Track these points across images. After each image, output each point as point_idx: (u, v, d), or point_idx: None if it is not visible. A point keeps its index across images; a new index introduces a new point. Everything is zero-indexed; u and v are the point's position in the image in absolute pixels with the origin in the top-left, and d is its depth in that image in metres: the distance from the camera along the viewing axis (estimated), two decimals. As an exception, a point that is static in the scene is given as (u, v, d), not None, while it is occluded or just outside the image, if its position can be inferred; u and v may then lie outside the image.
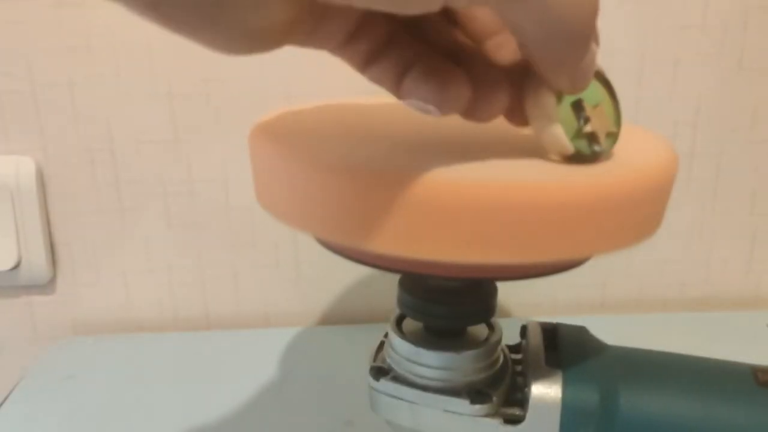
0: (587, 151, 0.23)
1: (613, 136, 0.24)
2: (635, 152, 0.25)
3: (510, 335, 0.31)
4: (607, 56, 0.49)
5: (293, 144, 0.23)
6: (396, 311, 0.30)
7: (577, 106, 0.23)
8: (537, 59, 0.20)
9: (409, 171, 0.21)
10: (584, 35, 0.19)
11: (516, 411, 0.27)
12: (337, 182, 0.21)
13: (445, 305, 0.28)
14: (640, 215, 0.23)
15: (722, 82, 0.50)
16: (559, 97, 0.23)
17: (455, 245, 0.21)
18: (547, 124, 0.23)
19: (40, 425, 0.42)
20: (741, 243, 0.54)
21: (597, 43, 0.21)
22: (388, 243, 0.21)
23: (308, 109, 0.29)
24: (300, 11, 0.20)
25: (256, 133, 0.25)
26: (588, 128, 0.23)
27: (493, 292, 0.29)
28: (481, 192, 0.20)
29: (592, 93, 0.23)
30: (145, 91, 0.48)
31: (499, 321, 0.30)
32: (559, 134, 0.23)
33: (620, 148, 0.26)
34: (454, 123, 0.24)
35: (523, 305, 0.55)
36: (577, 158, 0.23)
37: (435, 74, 0.22)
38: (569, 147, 0.23)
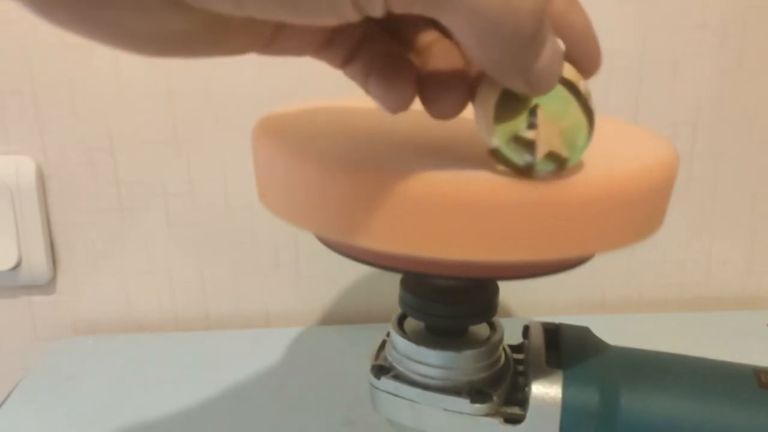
0: (515, 157, 0.21)
1: (555, 160, 0.21)
2: (636, 151, 0.25)
3: (512, 335, 0.31)
4: (607, 56, 0.49)
5: (295, 142, 0.23)
6: (398, 310, 0.30)
7: (532, 112, 0.21)
8: (480, 63, 0.20)
9: (411, 169, 0.21)
10: (525, 38, 0.18)
11: (516, 410, 0.27)
12: (339, 180, 0.21)
13: (447, 305, 0.28)
14: (641, 213, 0.23)
15: (722, 81, 0.50)
16: (521, 98, 0.21)
17: (456, 243, 0.21)
18: (480, 117, 0.22)
19: (40, 425, 0.42)
20: (741, 243, 0.54)
21: (557, 43, 0.20)
22: (390, 241, 0.21)
23: (310, 108, 0.29)
24: (197, 25, 0.19)
25: (258, 132, 0.25)
26: (529, 135, 0.21)
27: (495, 291, 0.29)
28: (482, 190, 0.20)
29: (560, 107, 0.21)
30: (145, 91, 0.48)
31: (501, 321, 0.30)
32: (483, 126, 0.22)
33: (621, 147, 0.26)
34: (456, 122, 0.24)
35: (524, 305, 0.55)
36: (511, 167, 0.22)
37: (384, 74, 0.23)
38: (490, 141, 0.22)
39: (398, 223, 0.21)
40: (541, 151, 0.21)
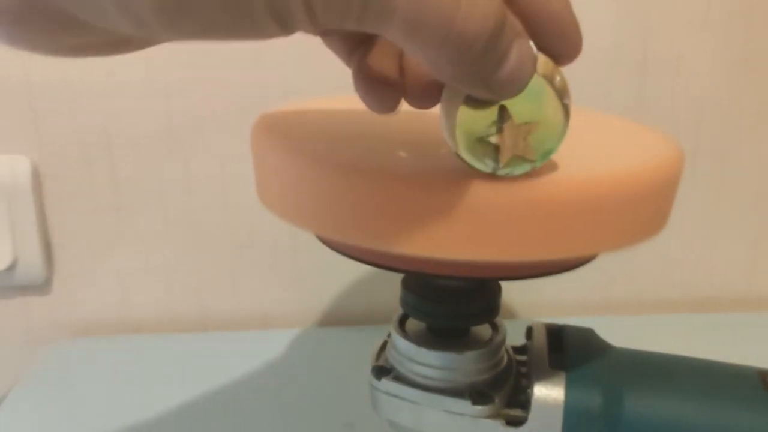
0: (477, 163, 0.20)
1: (521, 164, 0.20)
2: (640, 149, 0.25)
3: (516, 336, 0.31)
4: (609, 53, 0.49)
5: (295, 141, 0.24)
6: (399, 311, 0.30)
7: (498, 114, 0.20)
8: (435, 74, 0.18)
9: (411, 169, 0.21)
10: (478, 51, 0.17)
11: (518, 412, 0.27)
12: (339, 180, 0.21)
13: (448, 305, 0.28)
14: (645, 213, 0.23)
15: (726, 79, 0.50)
16: (486, 100, 0.20)
17: (458, 243, 0.21)
18: (443, 119, 0.21)
19: (36, 427, 0.41)
20: (745, 243, 0.54)
21: (525, 46, 0.18)
22: (390, 240, 0.21)
23: (310, 107, 0.29)
24: (107, 37, 0.18)
25: (258, 130, 0.25)
26: (492, 140, 0.20)
27: (497, 292, 0.29)
28: (483, 189, 0.20)
29: (530, 106, 0.20)
30: (142, 89, 0.48)
31: (504, 322, 0.30)
32: (446, 129, 0.21)
33: (625, 145, 0.26)
34: None
35: (528, 306, 0.55)
36: (475, 170, 0.21)
37: (369, 78, 0.23)
38: (451, 145, 0.21)
39: (399, 222, 0.21)
40: (506, 156, 0.20)
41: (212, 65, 0.48)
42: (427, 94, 0.23)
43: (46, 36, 0.17)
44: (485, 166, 0.20)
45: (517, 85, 0.19)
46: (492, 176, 0.21)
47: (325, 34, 0.24)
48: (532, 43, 0.19)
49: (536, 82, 0.19)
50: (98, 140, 0.49)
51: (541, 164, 0.21)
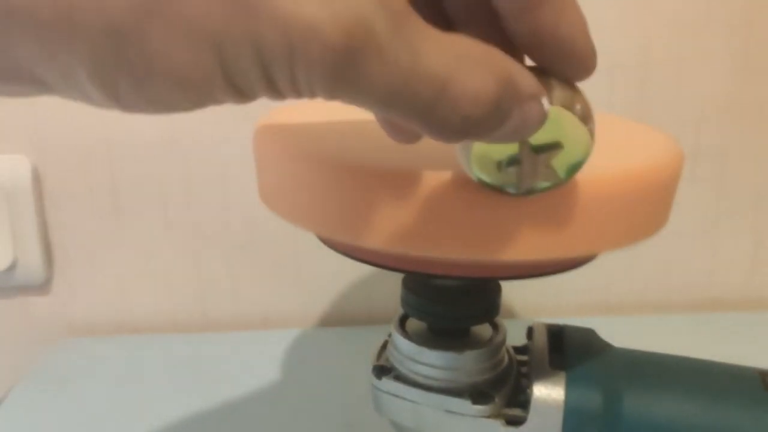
0: (496, 186, 0.20)
1: (542, 186, 0.20)
2: (640, 149, 0.25)
3: (518, 337, 0.31)
4: (611, 55, 0.49)
5: (298, 142, 0.24)
6: (400, 311, 0.30)
7: (519, 145, 0.19)
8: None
9: (413, 169, 0.21)
10: (477, 122, 0.16)
11: (518, 412, 0.27)
12: (342, 180, 0.21)
13: (448, 305, 0.28)
14: (645, 212, 0.23)
15: (727, 80, 0.50)
16: None
17: (459, 242, 0.21)
18: (460, 150, 0.20)
19: (36, 427, 0.41)
20: (745, 243, 0.54)
21: (532, 94, 0.17)
22: (392, 240, 0.21)
23: (313, 108, 0.29)
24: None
25: (260, 131, 0.25)
26: (510, 170, 0.20)
27: (497, 291, 0.29)
28: (485, 190, 0.20)
29: (551, 134, 0.19)
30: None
31: (504, 322, 0.30)
32: (463, 158, 0.20)
33: (626, 145, 0.26)
34: None
35: (529, 307, 0.55)
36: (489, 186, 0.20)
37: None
38: (471, 174, 0.20)
39: (400, 222, 0.21)
40: (526, 184, 0.20)
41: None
42: None
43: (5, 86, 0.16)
44: (507, 189, 0.20)
45: (524, 134, 0.18)
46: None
47: None
48: (544, 100, 0.18)
49: (554, 113, 0.18)
50: (98, 140, 0.49)
51: (567, 180, 0.20)
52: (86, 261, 0.52)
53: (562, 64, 0.19)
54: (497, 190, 0.20)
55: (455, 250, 0.21)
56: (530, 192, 0.20)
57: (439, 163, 0.22)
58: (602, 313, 0.55)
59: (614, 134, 0.28)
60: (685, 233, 0.53)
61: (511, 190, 0.20)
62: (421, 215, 0.20)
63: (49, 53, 0.14)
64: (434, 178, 0.20)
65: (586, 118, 0.19)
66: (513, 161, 0.19)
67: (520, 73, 0.17)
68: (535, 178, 0.20)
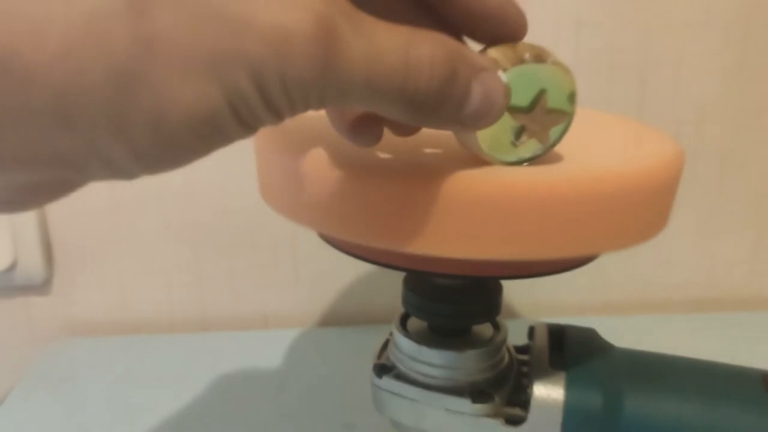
0: (508, 159, 0.22)
1: (535, 144, 0.22)
2: (641, 149, 0.25)
3: (519, 336, 0.31)
4: (610, 54, 0.49)
5: (299, 140, 0.24)
6: (401, 310, 0.30)
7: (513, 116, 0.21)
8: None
9: (413, 167, 0.21)
10: (432, 103, 0.18)
11: (518, 412, 0.27)
12: (343, 178, 0.21)
13: (449, 304, 0.28)
14: (646, 213, 0.23)
15: (726, 80, 0.50)
16: None
17: (460, 241, 0.21)
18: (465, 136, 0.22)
19: (36, 427, 0.41)
20: (746, 243, 0.54)
21: (491, 79, 0.19)
22: (393, 239, 0.21)
23: None
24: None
25: (262, 130, 0.25)
26: (519, 140, 0.21)
27: (498, 291, 0.29)
28: (485, 189, 0.20)
29: (532, 89, 0.21)
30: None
31: (505, 321, 0.30)
32: (483, 157, 0.22)
33: (626, 145, 0.26)
34: None
35: (531, 306, 0.55)
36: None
37: (349, 123, 0.23)
38: (496, 163, 0.22)
39: (401, 221, 0.21)
40: (545, 139, 0.22)
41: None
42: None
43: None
44: (536, 155, 0.22)
45: (489, 116, 0.19)
46: (497, 170, 0.21)
47: None
48: (501, 73, 0.19)
49: (514, 75, 0.20)
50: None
51: (573, 110, 0.22)
52: (86, 261, 0.52)
53: (500, 31, 0.20)
54: (529, 161, 0.22)
55: (456, 249, 0.21)
56: (555, 143, 0.22)
57: (441, 161, 0.22)
58: (602, 313, 0.55)
59: (614, 134, 0.28)
60: (685, 233, 0.53)
61: (540, 153, 0.22)
62: (422, 213, 0.20)
63: (67, 122, 0.15)
64: (435, 176, 0.20)
65: (541, 56, 0.20)
66: (520, 131, 0.21)
67: (467, 48, 0.19)
68: (547, 129, 0.21)
